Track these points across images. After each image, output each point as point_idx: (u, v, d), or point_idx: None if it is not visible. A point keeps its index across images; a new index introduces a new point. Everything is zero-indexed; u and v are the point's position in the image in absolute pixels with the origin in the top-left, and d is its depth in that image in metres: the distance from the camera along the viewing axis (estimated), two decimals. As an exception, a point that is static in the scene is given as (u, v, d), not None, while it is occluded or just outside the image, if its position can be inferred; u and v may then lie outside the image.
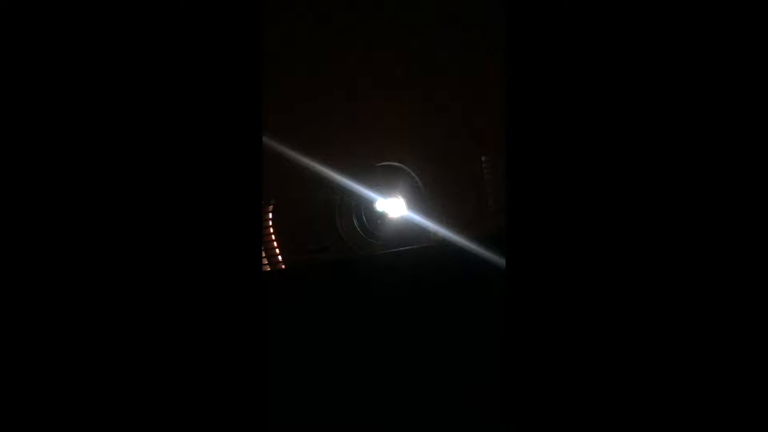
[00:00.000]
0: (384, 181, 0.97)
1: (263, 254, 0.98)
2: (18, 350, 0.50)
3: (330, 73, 0.93)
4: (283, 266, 0.98)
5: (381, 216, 0.99)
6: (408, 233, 0.96)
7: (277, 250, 0.98)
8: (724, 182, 0.50)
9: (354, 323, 0.74)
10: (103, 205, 0.52)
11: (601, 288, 0.51)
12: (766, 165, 0.49)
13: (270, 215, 0.99)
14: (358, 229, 0.99)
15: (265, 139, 0.82)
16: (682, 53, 0.51)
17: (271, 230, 0.98)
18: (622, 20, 0.52)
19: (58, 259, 0.51)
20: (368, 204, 0.99)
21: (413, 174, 0.96)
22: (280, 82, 0.87)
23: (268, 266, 0.98)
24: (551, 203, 0.53)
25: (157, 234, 0.53)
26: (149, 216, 0.53)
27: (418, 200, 0.96)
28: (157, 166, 0.53)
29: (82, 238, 0.52)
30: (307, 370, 0.71)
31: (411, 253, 0.85)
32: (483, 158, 0.94)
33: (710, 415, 0.49)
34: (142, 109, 0.53)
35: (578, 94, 0.53)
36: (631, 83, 0.52)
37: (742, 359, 0.49)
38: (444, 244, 0.92)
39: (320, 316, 0.75)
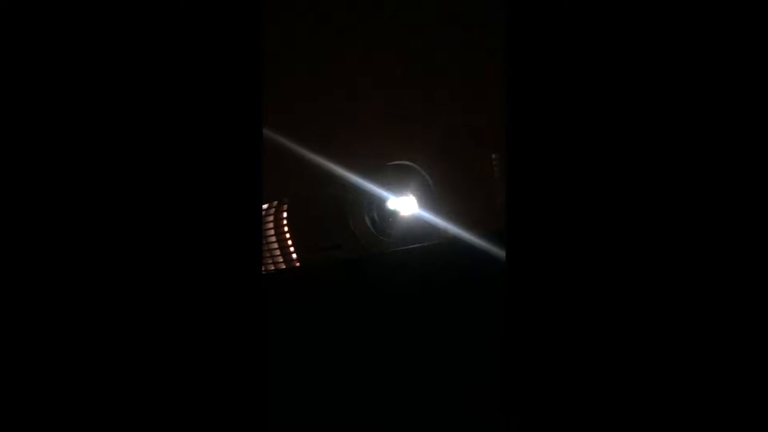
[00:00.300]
0: (395, 180, 0.98)
1: (279, 252, 1.00)
2: (17, 349, 0.51)
3: (330, 73, 0.94)
4: (298, 263, 1.00)
5: (392, 214, 0.99)
6: (419, 231, 0.96)
7: (292, 248, 1.00)
8: (723, 181, 0.50)
9: (365, 320, 0.75)
10: (103, 203, 0.53)
11: (602, 287, 0.51)
12: (766, 165, 0.49)
13: (285, 214, 1.00)
14: (370, 227, 0.99)
15: (279, 138, 0.84)
16: (682, 53, 0.50)
17: (286, 228, 1.00)
18: (622, 20, 0.52)
19: (58, 260, 0.52)
20: (380, 202, 0.99)
21: (424, 173, 0.97)
22: (280, 82, 0.87)
23: (283, 264, 1.00)
24: (551, 202, 0.53)
25: (157, 233, 0.53)
26: (150, 216, 0.53)
27: (428, 198, 0.97)
28: (157, 167, 0.53)
29: (81, 238, 0.52)
30: (316, 367, 0.72)
31: (421, 251, 0.85)
32: (492, 157, 0.93)
33: (710, 414, 0.49)
34: (143, 109, 0.53)
35: (578, 93, 0.52)
36: (631, 83, 0.51)
37: (742, 358, 0.48)
38: (454, 242, 0.91)
39: (332, 312, 0.76)
